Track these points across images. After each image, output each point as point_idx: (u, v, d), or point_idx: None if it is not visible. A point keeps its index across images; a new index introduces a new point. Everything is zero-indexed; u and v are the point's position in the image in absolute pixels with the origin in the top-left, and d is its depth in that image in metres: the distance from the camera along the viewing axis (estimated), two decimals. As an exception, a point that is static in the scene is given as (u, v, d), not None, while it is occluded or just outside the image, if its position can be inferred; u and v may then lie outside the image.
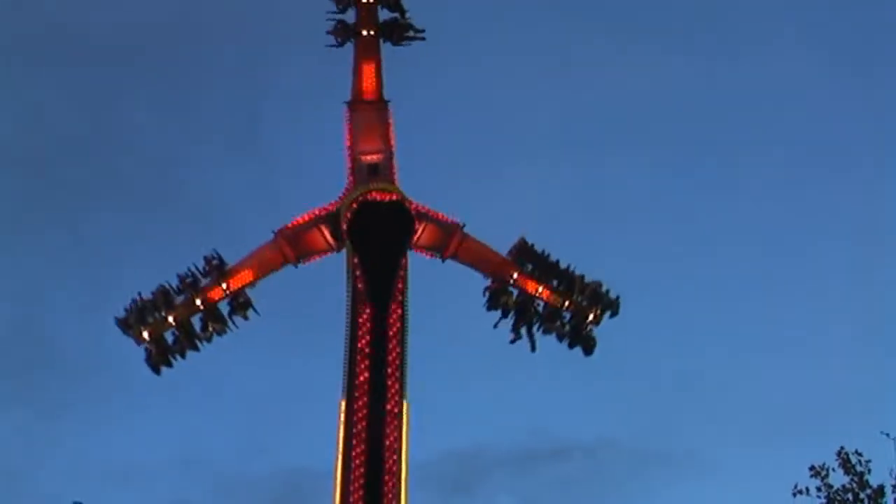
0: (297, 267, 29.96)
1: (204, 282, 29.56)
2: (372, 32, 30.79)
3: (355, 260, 28.25)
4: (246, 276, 29.72)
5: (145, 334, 29.43)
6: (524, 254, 30.11)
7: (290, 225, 29.90)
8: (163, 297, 29.34)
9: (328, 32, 30.97)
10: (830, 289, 57.79)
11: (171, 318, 29.42)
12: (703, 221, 59.80)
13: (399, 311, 27.89)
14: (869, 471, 26.30)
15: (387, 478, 26.70)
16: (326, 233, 29.58)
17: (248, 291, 29.64)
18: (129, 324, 29.46)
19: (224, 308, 29.65)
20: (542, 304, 30.09)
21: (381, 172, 29.53)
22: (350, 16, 31.05)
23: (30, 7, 60.27)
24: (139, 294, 29.49)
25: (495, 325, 30.07)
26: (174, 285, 29.48)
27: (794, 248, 60.20)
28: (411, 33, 31.10)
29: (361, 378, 27.12)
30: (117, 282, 60.38)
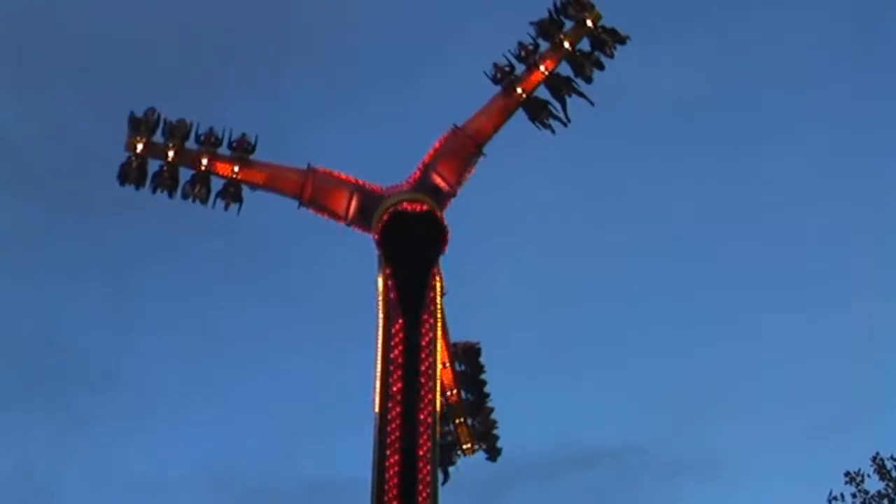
0: (299, 207, 30.09)
1: (223, 150, 29.79)
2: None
3: (387, 270, 28.22)
4: (258, 175, 29.93)
5: (139, 146, 29.64)
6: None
7: (327, 170, 30.09)
8: (181, 131, 29.57)
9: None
10: (863, 288, 57.67)
11: (171, 152, 29.62)
12: (727, 226, 59.73)
13: (431, 320, 27.96)
14: (905, 476, 26.12)
15: (420, 487, 26.71)
16: (353, 202, 29.63)
17: (245, 191, 29.92)
18: (136, 127, 29.63)
19: (216, 184, 29.97)
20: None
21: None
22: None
23: (52, 21, 60.52)
24: (165, 117, 29.67)
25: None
26: (199, 132, 29.67)
27: (822, 249, 60.04)
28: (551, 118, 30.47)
29: (395, 388, 27.11)
30: (140, 293, 60.62)
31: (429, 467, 26.75)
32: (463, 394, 32.03)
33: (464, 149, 30.11)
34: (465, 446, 32.30)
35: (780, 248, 60.99)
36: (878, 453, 27.36)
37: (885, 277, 57.97)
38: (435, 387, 27.51)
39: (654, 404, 56.76)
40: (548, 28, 30.28)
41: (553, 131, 30.57)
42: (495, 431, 31.85)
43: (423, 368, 27.36)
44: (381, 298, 28.39)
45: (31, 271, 59.71)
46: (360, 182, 29.93)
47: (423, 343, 27.59)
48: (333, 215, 30.11)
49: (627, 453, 54.94)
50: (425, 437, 26.86)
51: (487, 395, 31.74)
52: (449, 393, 31.69)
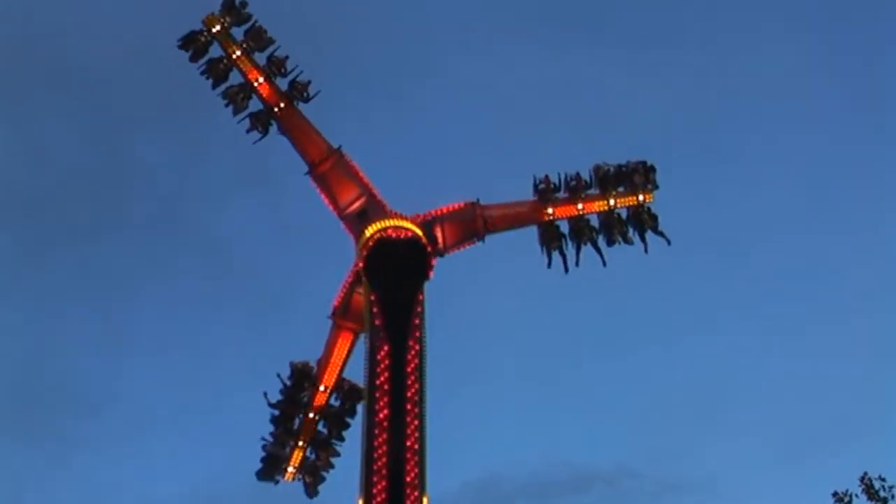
0: (307, 174, 30.13)
1: (282, 82, 30.11)
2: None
3: (372, 297, 28.17)
4: (294, 124, 30.19)
5: (216, 27, 30.02)
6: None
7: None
8: (261, 43, 29.94)
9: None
10: (854, 307, 57.69)
11: (238, 51, 29.99)
12: (714, 245, 59.80)
13: (417, 346, 27.86)
14: (893, 496, 26.21)
15: (408, 513, 26.63)
16: (357, 203, 29.83)
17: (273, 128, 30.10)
18: (228, 8, 30.06)
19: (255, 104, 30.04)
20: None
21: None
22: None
23: (35, 45, 60.59)
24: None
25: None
26: (275, 51, 29.95)
27: (811, 269, 60.09)
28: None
29: (381, 415, 27.08)
30: (129, 317, 60.55)
31: (416, 493, 26.57)
32: (321, 425, 31.07)
33: (473, 226, 30.40)
34: (288, 469, 30.87)
35: (768, 267, 61.08)
36: (866, 473, 27.35)
37: (875, 295, 58.08)
38: (422, 413, 27.34)
39: (645, 425, 56.78)
40: (606, 179, 30.79)
41: (549, 265, 30.82)
42: (324, 474, 30.99)
43: (409, 395, 27.24)
44: (366, 324, 28.41)
45: (19, 297, 59.58)
46: (373, 189, 30.03)
47: (409, 370, 27.47)
48: (333, 202, 30.15)
49: (620, 475, 54.89)
50: (412, 463, 26.70)
51: (342, 441, 30.78)
52: (312, 415, 30.82)
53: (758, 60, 62.32)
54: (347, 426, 31.26)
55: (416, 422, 27.08)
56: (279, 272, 61.14)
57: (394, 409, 27.10)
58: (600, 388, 59.43)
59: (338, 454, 31.20)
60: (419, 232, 29.21)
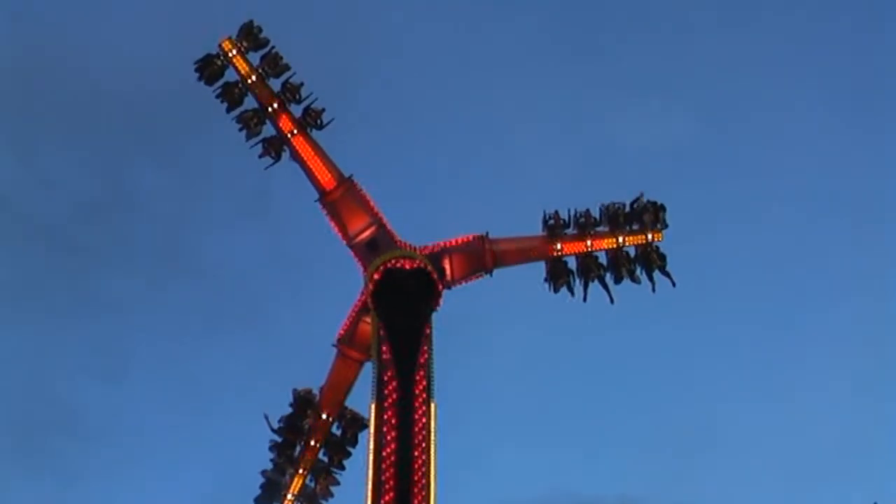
0: (317, 201, 29.94)
1: (296, 108, 29.97)
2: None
3: (380, 329, 27.92)
4: (307, 151, 29.97)
5: (232, 52, 29.93)
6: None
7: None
8: (277, 69, 29.90)
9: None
10: (858, 329, 57.44)
11: (253, 76, 29.85)
12: (717, 270, 59.49)
13: (424, 380, 27.53)
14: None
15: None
16: (367, 232, 29.62)
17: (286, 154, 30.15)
18: (245, 34, 30.01)
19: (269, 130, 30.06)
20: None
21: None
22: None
23: (39, 74, 60.56)
24: (274, 46, 29.92)
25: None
26: (290, 78, 29.94)
27: (813, 290, 59.83)
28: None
29: (388, 450, 26.72)
30: (131, 345, 60.25)
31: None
32: (321, 453, 30.87)
33: (481, 259, 30.13)
34: (287, 496, 30.65)
35: (770, 289, 60.80)
36: (876, 503, 27.03)
37: (880, 319, 57.88)
38: (429, 448, 27.02)
39: (647, 453, 56.37)
40: (617, 217, 30.63)
41: (557, 292, 30.67)
42: (323, 503, 30.85)
43: (416, 429, 26.94)
44: (374, 355, 28.13)
45: (19, 323, 59.35)
46: (383, 218, 29.80)
47: (417, 404, 27.17)
48: (343, 230, 29.88)
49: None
50: (420, 498, 26.38)
51: (342, 469, 30.52)
52: (313, 442, 30.70)
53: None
54: (349, 455, 31.07)
55: (424, 457, 26.74)
56: (280, 301, 60.88)
57: (401, 443, 26.75)
58: (605, 418, 59.04)
59: (337, 483, 30.99)
60: (427, 263, 29.01)
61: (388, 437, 26.85)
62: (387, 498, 26.42)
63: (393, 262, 28.84)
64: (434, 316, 28.76)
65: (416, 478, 26.56)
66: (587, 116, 60.24)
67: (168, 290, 60.33)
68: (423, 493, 26.65)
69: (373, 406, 27.42)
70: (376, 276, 28.64)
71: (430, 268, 28.93)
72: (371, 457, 26.90)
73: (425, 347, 27.99)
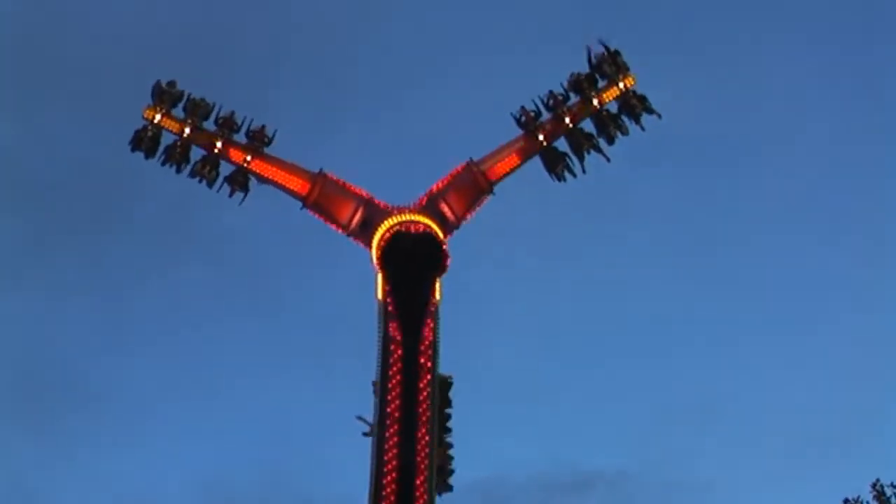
0: (302, 208, 30.12)
1: (240, 137, 30.00)
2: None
3: (387, 289, 28.22)
4: (269, 169, 30.13)
5: (157, 117, 29.86)
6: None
7: (337, 179, 30.20)
8: (202, 110, 29.85)
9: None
10: (860, 305, 57.65)
11: (187, 129, 29.86)
12: (716, 249, 59.77)
13: (429, 339, 27.88)
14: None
15: (418, 505, 26.71)
16: (358, 215, 29.71)
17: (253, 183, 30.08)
18: (159, 96, 29.90)
19: (226, 168, 30.08)
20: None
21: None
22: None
23: (43, 37, 60.65)
24: (189, 93, 29.92)
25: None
26: (219, 113, 29.92)
27: (813, 272, 60.06)
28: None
29: (392, 407, 27.17)
30: (133, 310, 60.53)
31: (426, 486, 26.76)
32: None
33: (476, 184, 30.24)
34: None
35: (769, 270, 61.12)
36: (878, 480, 27.13)
37: (881, 293, 58.18)
38: (433, 406, 27.45)
39: (648, 429, 56.79)
40: (581, 82, 30.54)
41: (563, 180, 30.75)
42: (451, 467, 30.55)
43: (421, 386, 27.40)
44: (380, 318, 28.42)
45: (23, 289, 59.62)
46: (368, 196, 29.97)
47: (422, 361, 27.59)
48: (335, 223, 30.13)
49: (622, 477, 54.89)
50: (423, 455, 26.89)
51: (449, 430, 29.44)
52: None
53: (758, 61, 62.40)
54: (448, 417, 29.66)
55: (428, 414, 27.19)
56: (285, 268, 61.17)
57: (405, 402, 27.22)
58: (605, 391, 59.43)
59: (451, 445, 29.68)
60: (433, 225, 29.17)
61: (393, 395, 27.25)
62: (389, 455, 26.79)
63: (399, 225, 29.06)
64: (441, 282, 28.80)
65: (419, 435, 26.89)
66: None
67: (172, 256, 60.64)
68: (426, 452, 26.93)
69: (378, 366, 27.73)
70: (385, 238, 28.87)
71: (436, 230, 29.06)
72: (376, 415, 27.31)
73: (432, 310, 28.11)
